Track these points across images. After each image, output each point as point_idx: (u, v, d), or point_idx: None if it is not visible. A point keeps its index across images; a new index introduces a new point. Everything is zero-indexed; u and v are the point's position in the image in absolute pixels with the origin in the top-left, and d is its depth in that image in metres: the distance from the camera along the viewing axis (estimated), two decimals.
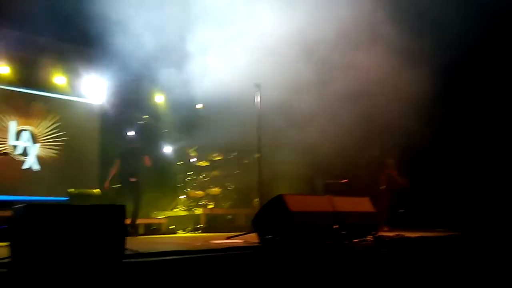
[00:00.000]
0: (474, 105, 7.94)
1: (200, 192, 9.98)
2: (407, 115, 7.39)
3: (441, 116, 7.87)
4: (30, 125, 9.14)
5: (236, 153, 10.29)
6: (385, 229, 7.21)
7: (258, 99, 7.03)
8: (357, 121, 7.62)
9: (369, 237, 5.22)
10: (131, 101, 10.01)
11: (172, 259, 3.19)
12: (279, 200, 4.70)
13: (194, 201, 9.86)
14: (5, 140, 8.79)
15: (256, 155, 7.26)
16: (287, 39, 7.30)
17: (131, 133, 8.91)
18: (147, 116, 10.30)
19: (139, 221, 8.28)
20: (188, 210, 9.73)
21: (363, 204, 5.69)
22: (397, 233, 5.60)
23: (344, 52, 7.39)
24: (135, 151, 8.23)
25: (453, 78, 7.67)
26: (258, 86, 7.04)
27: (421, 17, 7.19)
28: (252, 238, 4.97)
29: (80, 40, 8.48)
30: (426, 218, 7.82)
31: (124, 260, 2.92)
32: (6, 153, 7.71)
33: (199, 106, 9.82)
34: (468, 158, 8.13)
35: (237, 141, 8.63)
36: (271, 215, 4.70)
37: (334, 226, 4.89)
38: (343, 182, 8.47)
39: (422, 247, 5.16)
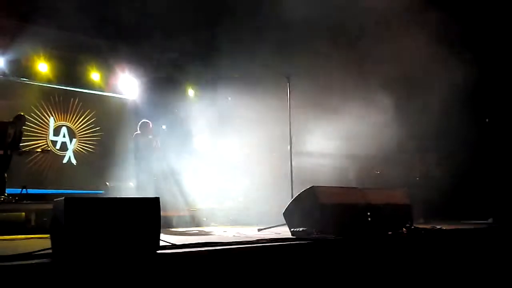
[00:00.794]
0: None
1: None
2: (449, 104, 7.11)
3: (486, 105, 7.52)
4: (67, 121, 9.46)
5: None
6: (421, 221, 7.05)
7: (288, 90, 6.94)
8: (395, 112, 7.39)
9: (404, 230, 5.12)
10: (163, 96, 10.15)
11: (205, 250, 3.24)
12: (310, 192, 4.66)
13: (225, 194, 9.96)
14: (45, 135, 9.14)
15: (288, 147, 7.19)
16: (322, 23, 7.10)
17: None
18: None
19: (172, 213, 8.42)
20: (220, 202, 9.83)
21: (397, 196, 5.57)
22: (432, 226, 5.47)
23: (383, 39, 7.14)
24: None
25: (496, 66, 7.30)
26: (288, 77, 6.94)
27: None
28: (283, 230, 4.96)
29: (115, 37, 8.67)
30: (465, 210, 7.58)
31: (158, 251, 2.99)
32: (47, 151, 8.00)
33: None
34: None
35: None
36: (303, 207, 4.66)
37: (367, 219, 4.82)
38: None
39: (458, 239, 5.01)
